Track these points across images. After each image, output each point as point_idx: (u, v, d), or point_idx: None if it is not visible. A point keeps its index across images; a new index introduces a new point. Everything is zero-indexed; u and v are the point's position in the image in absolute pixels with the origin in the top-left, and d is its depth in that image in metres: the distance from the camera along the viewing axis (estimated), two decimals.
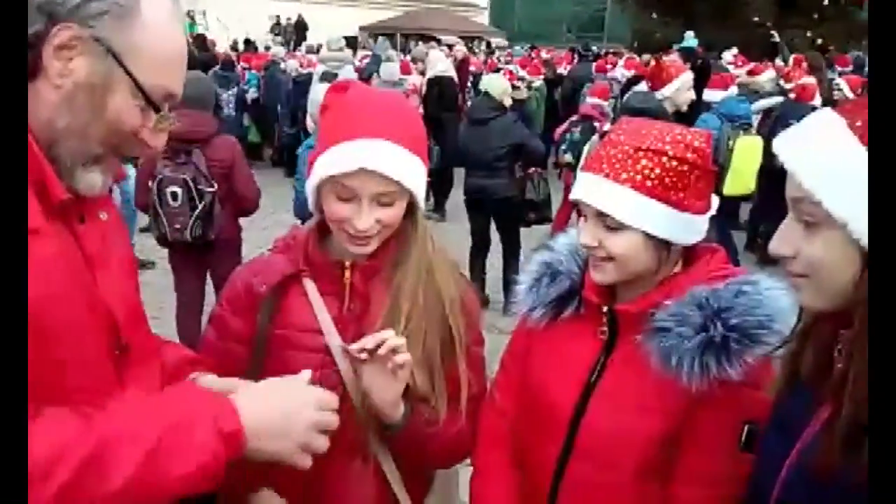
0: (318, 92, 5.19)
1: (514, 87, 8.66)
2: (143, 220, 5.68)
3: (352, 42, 21.33)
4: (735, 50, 13.69)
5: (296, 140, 9.38)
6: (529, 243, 6.63)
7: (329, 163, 1.51)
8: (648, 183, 1.42)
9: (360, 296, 1.63)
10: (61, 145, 1.14)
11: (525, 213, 6.45)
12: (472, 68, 13.91)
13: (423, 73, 10.56)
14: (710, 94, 7.08)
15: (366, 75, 10.10)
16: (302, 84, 10.11)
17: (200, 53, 9.54)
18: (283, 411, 1.27)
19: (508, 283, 6.40)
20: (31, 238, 1.07)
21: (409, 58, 12.61)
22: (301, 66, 12.15)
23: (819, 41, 22.06)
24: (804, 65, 9.93)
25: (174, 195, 4.43)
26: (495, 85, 6.55)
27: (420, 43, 17.21)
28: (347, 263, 1.62)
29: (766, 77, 9.37)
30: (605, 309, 1.53)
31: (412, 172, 1.54)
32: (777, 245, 1.13)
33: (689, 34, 18.49)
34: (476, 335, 1.74)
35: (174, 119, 1.24)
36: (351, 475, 1.58)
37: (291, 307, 1.63)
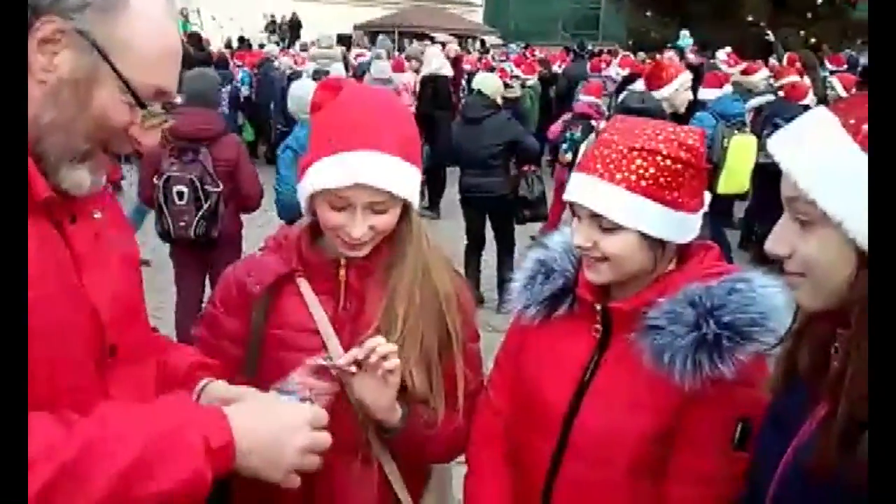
0: (301, 88, 5.16)
1: (507, 86, 8.67)
2: None
3: (346, 40, 21.32)
4: (728, 49, 13.71)
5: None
6: (524, 241, 6.67)
7: (321, 175, 1.50)
8: (643, 183, 1.42)
9: (355, 295, 1.62)
10: (46, 141, 1.12)
11: (519, 211, 6.45)
12: (466, 66, 13.90)
13: (417, 72, 10.57)
14: (704, 93, 7.09)
15: (359, 73, 10.12)
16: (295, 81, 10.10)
17: (196, 52, 9.51)
18: (275, 435, 1.24)
19: (503, 281, 6.42)
20: None
21: (403, 56, 12.61)
22: (295, 63, 12.13)
23: (813, 40, 22.10)
24: (797, 64, 9.96)
25: (180, 194, 4.46)
26: (488, 84, 6.57)
27: (415, 41, 17.20)
28: (342, 262, 1.61)
29: (760, 76, 9.38)
30: (598, 307, 1.53)
31: (405, 181, 1.53)
32: (772, 244, 1.13)
33: (684, 33, 18.53)
34: (472, 331, 1.74)
35: (166, 116, 1.21)
36: (352, 476, 1.58)
37: (286, 307, 1.62)
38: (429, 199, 9.11)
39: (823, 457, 1.06)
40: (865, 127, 1.02)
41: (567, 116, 7.73)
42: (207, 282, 4.92)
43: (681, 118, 5.41)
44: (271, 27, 25.49)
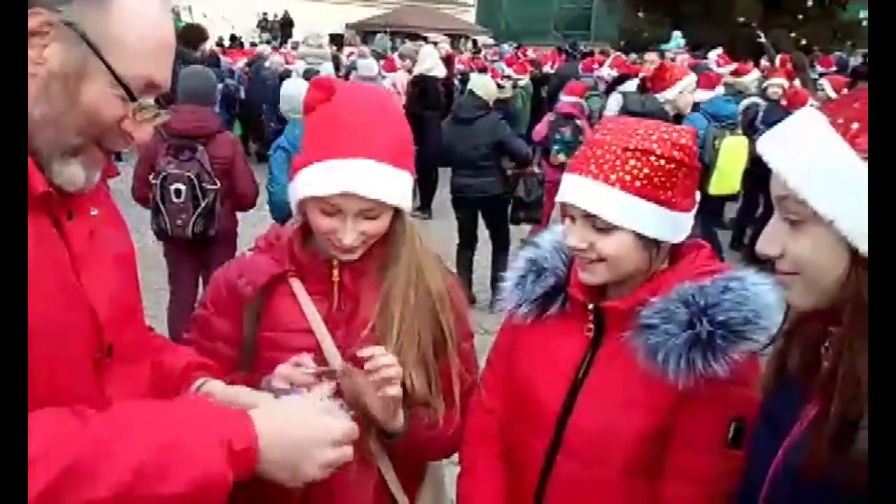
0: (293, 87, 5.15)
1: (499, 87, 8.67)
2: None
3: (338, 39, 21.30)
4: (720, 50, 13.77)
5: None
6: (515, 241, 6.68)
7: (312, 182, 1.50)
8: (637, 183, 1.42)
9: (349, 295, 1.62)
10: (37, 136, 1.11)
11: (515, 212, 6.46)
12: (460, 66, 13.90)
13: (410, 71, 10.57)
14: (697, 95, 7.11)
15: (348, 71, 10.16)
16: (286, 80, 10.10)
17: (188, 49, 9.46)
18: (300, 445, 1.23)
19: (497, 280, 6.39)
20: None
21: (395, 55, 12.61)
22: (286, 62, 12.11)
23: (803, 41, 22.21)
24: (787, 65, 10.00)
25: (178, 192, 4.45)
26: (483, 85, 6.56)
27: (407, 41, 17.18)
28: (335, 263, 1.60)
29: (752, 78, 9.42)
30: (590, 306, 1.53)
31: (396, 188, 1.52)
32: (764, 244, 1.13)
33: (676, 33, 18.58)
34: (465, 329, 1.75)
35: (158, 109, 1.20)
36: (349, 477, 1.57)
37: (279, 308, 1.62)
38: (420, 200, 9.17)
39: (815, 456, 1.06)
40: (855, 125, 1.02)
41: (550, 117, 7.74)
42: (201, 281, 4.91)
43: (674, 117, 5.40)
44: (263, 25, 25.45)
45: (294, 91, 4.94)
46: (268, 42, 19.41)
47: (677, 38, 18.22)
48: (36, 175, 1.10)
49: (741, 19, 22.71)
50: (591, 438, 1.50)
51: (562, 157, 7.25)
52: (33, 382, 1.06)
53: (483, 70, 10.74)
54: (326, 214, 1.52)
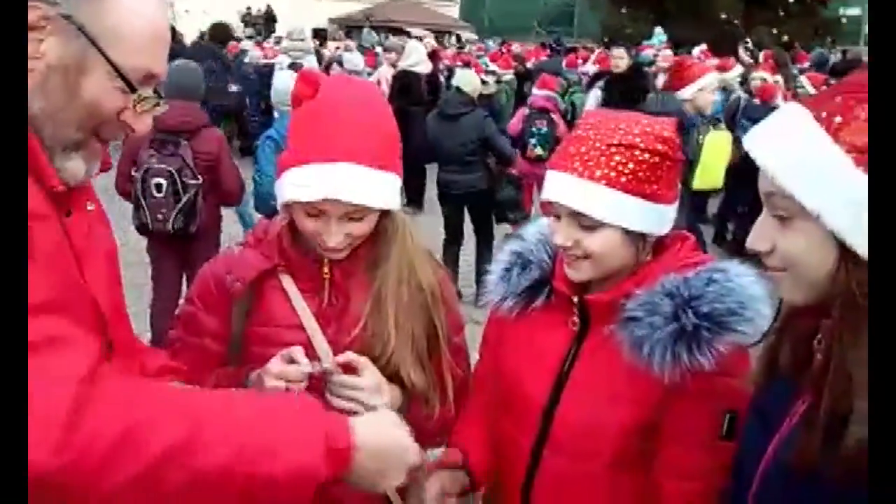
0: (282, 79, 5.15)
1: (483, 82, 8.68)
2: None
3: (322, 34, 21.20)
4: (703, 46, 13.84)
5: (265, 129, 9.35)
6: (500, 235, 6.70)
7: (294, 185, 1.48)
8: (623, 179, 1.41)
9: (340, 291, 1.61)
10: (38, 131, 1.10)
11: (503, 212, 6.49)
12: (446, 62, 13.88)
13: (394, 65, 10.55)
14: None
15: (331, 63, 10.17)
16: (267, 75, 10.05)
17: (219, 47, 9.46)
18: (393, 455, 1.27)
19: (482, 274, 6.42)
20: (39, 223, 1.05)
21: (379, 49, 12.58)
22: (267, 56, 12.05)
23: (785, 38, 22.37)
24: (770, 61, 10.08)
25: (158, 186, 4.42)
26: (468, 80, 6.57)
27: (391, 36, 17.14)
28: (326, 259, 1.59)
29: (734, 74, 9.48)
30: (575, 299, 1.53)
31: (382, 191, 1.51)
32: (753, 241, 1.13)
33: (658, 30, 18.64)
34: (456, 323, 1.75)
35: (157, 100, 1.20)
36: None
37: (269, 303, 1.61)
38: (408, 195, 9.12)
39: (805, 451, 1.06)
40: (837, 119, 1.02)
41: (525, 111, 7.78)
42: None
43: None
44: (247, 20, 25.29)
45: (282, 84, 4.95)
46: (250, 37, 19.25)
47: (659, 34, 18.28)
48: (50, 170, 1.10)
49: (724, 16, 22.88)
50: (578, 432, 1.49)
51: (538, 151, 7.31)
52: None
53: (467, 64, 10.73)
54: (311, 216, 1.51)
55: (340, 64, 10.51)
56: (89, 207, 1.24)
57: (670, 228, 1.52)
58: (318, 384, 1.50)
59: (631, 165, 1.41)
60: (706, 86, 5.07)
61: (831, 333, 1.06)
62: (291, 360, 1.48)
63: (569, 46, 17.27)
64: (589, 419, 1.48)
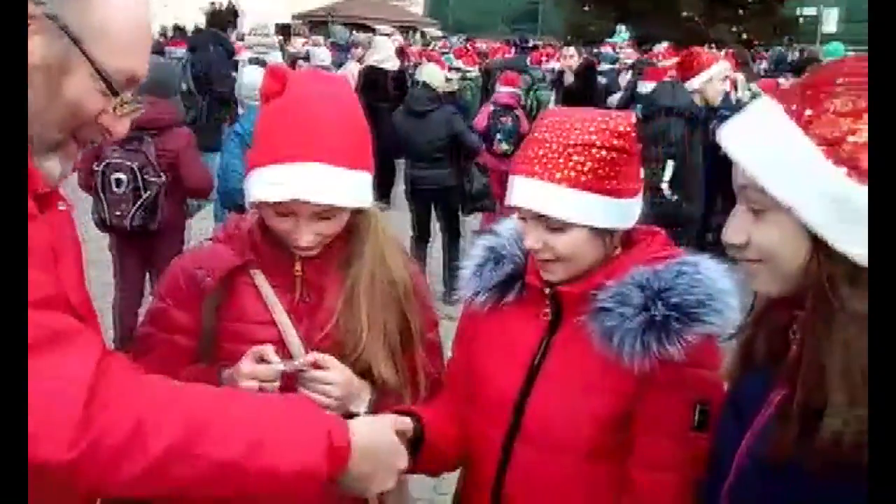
0: (250, 74, 5.10)
1: (447, 79, 8.71)
2: None
3: (286, 29, 21.04)
4: (665, 44, 13.99)
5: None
6: (468, 231, 6.74)
7: (261, 185, 1.47)
8: (583, 178, 1.42)
9: (313, 287, 1.61)
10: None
11: (475, 203, 6.54)
12: (413, 59, 13.85)
13: (360, 61, 10.50)
14: (643, 87, 7.21)
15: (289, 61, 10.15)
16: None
17: (223, 33, 9.31)
18: (387, 456, 1.29)
19: (451, 270, 6.45)
20: (31, 223, 1.04)
21: (350, 43, 12.53)
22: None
23: (745, 36, 22.73)
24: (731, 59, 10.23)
25: (118, 181, 4.35)
26: (433, 75, 6.57)
27: (356, 32, 17.05)
28: (298, 256, 1.59)
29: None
30: (547, 290, 1.54)
31: (352, 189, 1.50)
32: (729, 234, 1.14)
33: (621, 27, 18.82)
34: (430, 318, 1.75)
35: (137, 104, 1.19)
36: None
37: (240, 299, 1.59)
38: (378, 190, 9.03)
39: (780, 443, 1.07)
40: (808, 112, 1.04)
41: (490, 108, 7.85)
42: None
43: (706, 111, 5.09)
44: (212, 15, 24.95)
45: (249, 78, 4.91)
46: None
47: (622, 32, 18.44)
48: (36, 171, 1.09)
49: (686, 14, 23.16)
50: (550, 423, 1.50)
51: (504, 147, 7.38)
52: None
53: (430, 59, 10.71)
54: (281, 216, 1.50)
55: (307, 59, 10.45)
56: (61, 207, 1.22)
57: (636, 220, 1.53)
58: (290, 382, 1.50)
59: (590, 164, 1.42)
60: (715, 75, 4.90)
61: (803, 325, 1.07)
62: (262, 359, 1.47)
63: (532, 44, 17.33)
64: (561, 410, 1.49)
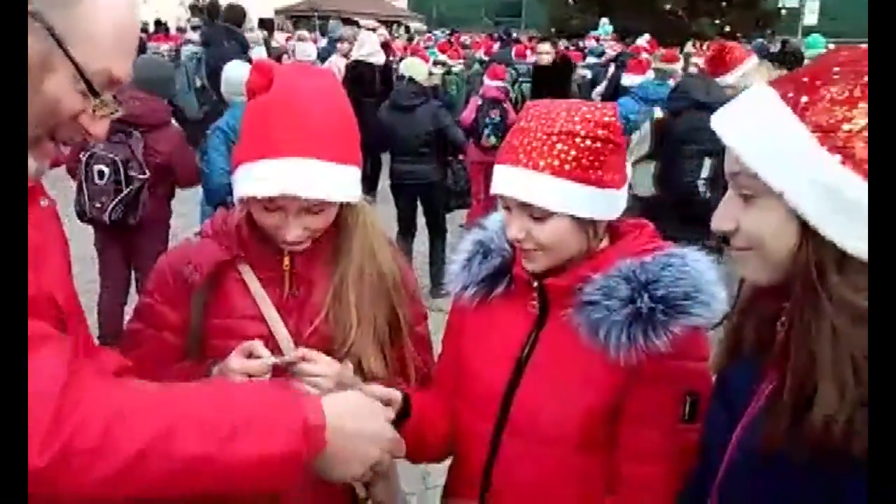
0: (233, 69, 5.06)
1: (430, 73, 8.72)
2: None
3: (268, 24, 20.91)
4: (648, 36, 14.05)
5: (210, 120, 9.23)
6: (452, 225, 6.74)
7: (249, 180, 1.47)
8: (567, 167, 1.42)
9: (302, 281, 1.60)
10: None
11: (458, 200, 6.57)
12: (399, 54, 13.82)
13: (346, 56, 10.47)
14: (628, 79, 7.25)
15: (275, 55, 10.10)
16: None
17: (236, 28, 9.24)
18: (361, 437, 1.26)
19: (435, 265, 6.46)
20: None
21: (335, 38, 12.49)
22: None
23: (727, 28, 22.82)
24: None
25: (101, 173, 4.32)
26: (416, 69, 6.55)
27: (341, 26, 16.98)
28: (286, 251, 1.58)
29: (680, 65, 9.64)
30: (535, 283, 1.54)
31: (340, 184, 1.50)
32: (718, 220, 1.14)
33: (604, 21, 18.85)
34: (418, 311, 1.75)
35: (116, 106, 1.18)
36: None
37: (229, 294, 1.59)
38: (364, 185, 9.00)
39: (771, 433, 1.06)
40: (804, 99, 1.03)
41: (478, 101, 7.86)
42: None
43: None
44: (197, 13, 24.79)
45: (234, 73, 4.86)
46: (195, 28, 18.87)
47: (605, 25, 18.48)
48: None
49: (667, 7, 23.23)
50: (537, 416, 1.50)
51: (493, 140, 7.42)
52: None
53: (415, 53, 10.70)
54: (269, 211, 1.50)
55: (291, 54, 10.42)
56: (43, 203, 1.21)
57: (621, 212, 1.53)
58: (280, 376, 1.49)
59: (573, 153, 1.42)
60: (747, 71, 4.80)
61: (791, 313, 1.07)
62: (250, 355, 1.47)
63: (515, 37, 17.32)
64: (548, 403, 1.49)
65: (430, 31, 23.72)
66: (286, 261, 1.59)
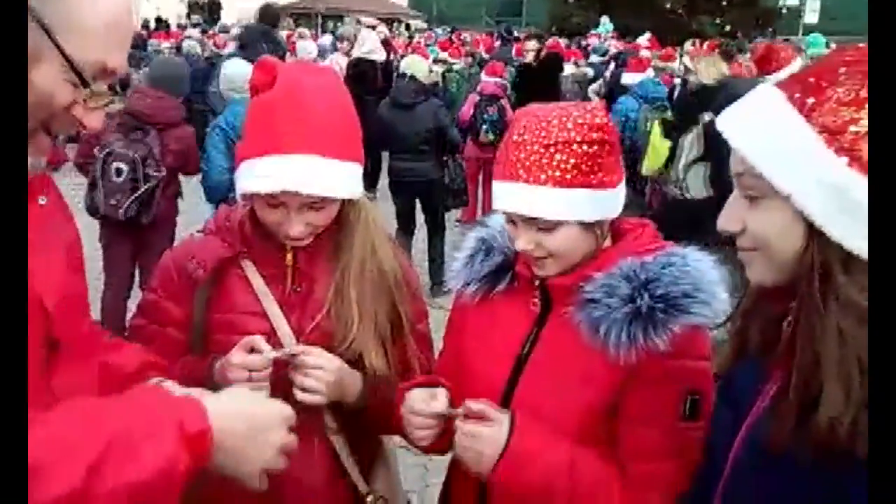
0: (232, 66, 5.07)
1: (430, 71, 8.74)
2: None
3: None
4: (648, 34, 14.05)
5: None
6: (449, 223, 6.76)
7: (252, 177, 1.48)
8: (568, 176, 1.42)
9: (304, 277, 1.61)
10: None
11: (455, 199, 6.62)
12: (400, 52, 13.82)
13: (347, 54, 10.46)
14: (628, 78, 7.26)
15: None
16: (215, 65, 9.88)
17: (272, 29, 9.25)
18: (254, 428, 1.21)
19: (434, 263, 6.46)
20: None
21: (336, 37, 12.50)
22: (218, 45, 11.84)
23: (727, 27, 22.81)
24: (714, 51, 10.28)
25: (119, 171, 4.34)
26: (417, 67, 6.55)
27: (339, 24, 16.99)
28: (289, 246, 1.59)
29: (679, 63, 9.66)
30: (536, 282, 1.55)
31: (342, 180, 1.51)
32: (724, 221, 1.14)
33: (604, 19, 18.83)
34: (419, 309, 1.76)
35: (111, 96, 1.17)
36: (304, 455, 1.56)
37: (231, 290, 1.60)
38: (365, 181, 8.99)
39: (777, 433, 1.06)
40: (810, 100, 1.03)
41: (476, 98, 7.88)
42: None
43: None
44: (197, 11, 24.83)
45: (233, 70, 4.88)
46: (196, 25, 18.91)
47: (605, 23, 18.46)
48: None
49: (668, 5, 23.21)
50: (536, 414, 1.50)
51: (490, 137, 7.44)
52: None
53: (415, 51, 10.71)
54: (272, 207, 1.51)
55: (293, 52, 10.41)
56: (41, 201, 1.20)
57: (622, 208, 1.53)
58: (281, 370, 1.51)
59: (573, 161, 1.42)
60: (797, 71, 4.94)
61: (796, 313, 1.06)
62: (252, 350, 1.48)
63: (516, 36, 17.32)
64: (548, 401, 1.49)
65: (430, 29, 23.69)
66: (289, 257, 1.60)
